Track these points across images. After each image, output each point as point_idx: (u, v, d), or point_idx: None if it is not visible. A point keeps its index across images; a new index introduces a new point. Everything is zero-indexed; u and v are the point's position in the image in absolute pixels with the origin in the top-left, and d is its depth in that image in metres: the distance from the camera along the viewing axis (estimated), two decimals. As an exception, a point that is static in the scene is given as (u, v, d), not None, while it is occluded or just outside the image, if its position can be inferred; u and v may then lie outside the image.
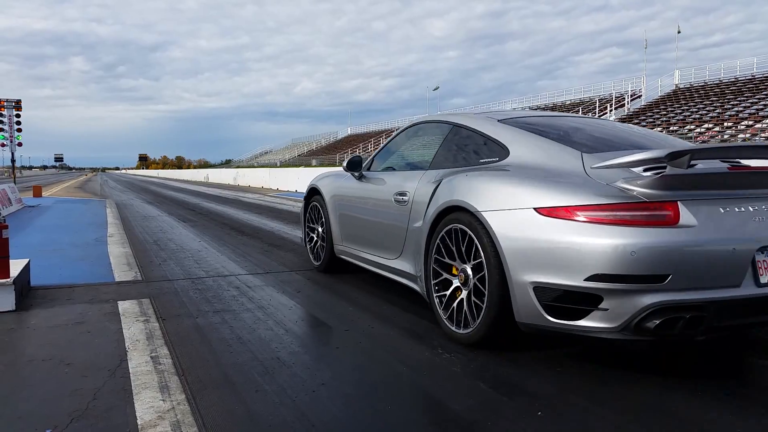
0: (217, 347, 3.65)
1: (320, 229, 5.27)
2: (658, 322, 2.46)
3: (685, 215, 2.51)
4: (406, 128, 4.47)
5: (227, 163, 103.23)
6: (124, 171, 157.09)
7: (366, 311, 4.46)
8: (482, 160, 3.38)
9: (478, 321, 3.06)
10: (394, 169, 4.31)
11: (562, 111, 43.92)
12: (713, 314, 2.50)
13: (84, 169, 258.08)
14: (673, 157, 2.49)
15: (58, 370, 3.21)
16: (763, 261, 2.58)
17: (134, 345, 3.67)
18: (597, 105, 41.37)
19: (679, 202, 2.56)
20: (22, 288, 4.81)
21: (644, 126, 33.41)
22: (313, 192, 5.43)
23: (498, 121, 3.54)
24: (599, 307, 2.51)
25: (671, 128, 31.38)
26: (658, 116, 34.92)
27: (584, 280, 2.50)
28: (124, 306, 4.63)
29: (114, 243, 8.19)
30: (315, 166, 51.43)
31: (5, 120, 20.91)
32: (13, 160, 22.21)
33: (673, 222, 2.48)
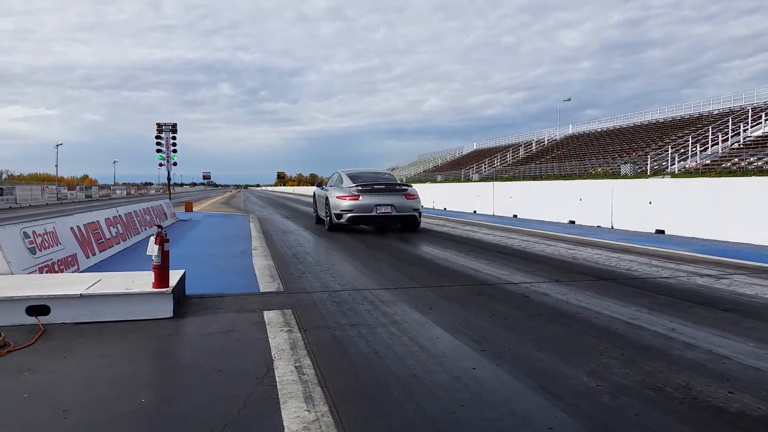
0: (355, 360, 3.69)
1: (314, 209, 14.29)
2: (352, 219, 11.24)
3: (360, 197, 11.23)
4: (333, 174, 13.23)
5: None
6: (263, 188, 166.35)
7: (505, 329, 4.34)
8: (340, 185, 12.08)
9: (328, 225, 11.90)
10: (331, 186, 12.49)
11: (710, 120, 40.43)
12: (368, 219, 11.31)
13: (228, 186, 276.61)
14: (360, 185, 11.63)
15: (211, 376, 3.35)
16: (378, 209, 11.38)
17: (279, 354, 3.79)
18: (750, 114, 37.85)
19: (360, 195, 11.32)
20: (179, 297, 5.18)
21: (807, 135, 30.25)
22: (313, 195, 14.37)
23: (347, 174, 12.25)
24: (343, 216, 11.50)
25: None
26: (825, 124, 31.25)
27: (341, 210, 11.35)
28: (269, 316, 4.80)
29: (258, 255, 8.34)
30: (440, 181, 51.45)
31: (163, 142, 22.95)
32: (168, 178, 24.23)
33: (358, 198, 11.23)
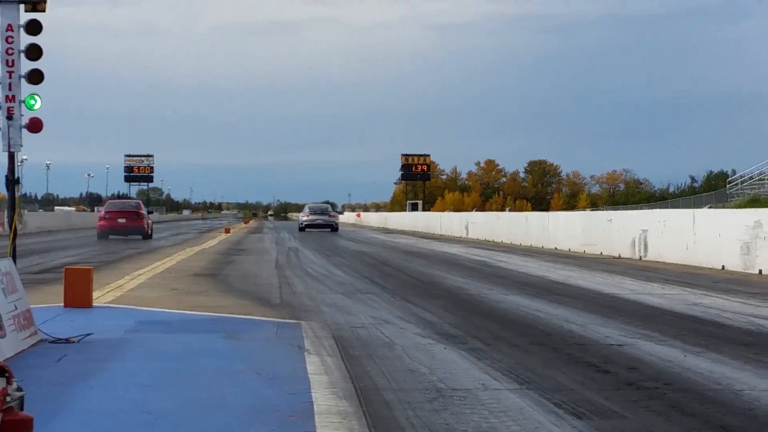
0: None
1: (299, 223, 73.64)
2: (306, 226, 68.91)
3: (309, 216, 71.04)
4: (307, 205, 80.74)
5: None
6: (360, 216, 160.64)
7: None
8: (303, 210, 79.12)
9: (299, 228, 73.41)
10: (302, 211, 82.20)
11: None
12: (312, 226, 68.58)
13: (232, 212, 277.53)
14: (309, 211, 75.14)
15: None
16: (315, 221, 69.65)
17: None
18: None
19: (309, 214, 72.48)
20: None
21: None
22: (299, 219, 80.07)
23: (306, 205, 78.04)
24: (303, 224, 68.72)
25: None
26: None
27: (300, 225, 71.36)
28: None
29: None
30: None
31: None
32: (12, 180, 19.31)
33: (309, 216, 70.50)
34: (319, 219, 60.67)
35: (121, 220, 41.53)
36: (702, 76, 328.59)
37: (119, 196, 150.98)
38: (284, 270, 25.32)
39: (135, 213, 42.53)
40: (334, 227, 60.09)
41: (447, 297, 17.51)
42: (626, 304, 15.81)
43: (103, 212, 44.22)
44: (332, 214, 64.83)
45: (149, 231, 43.08)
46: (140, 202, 46.52)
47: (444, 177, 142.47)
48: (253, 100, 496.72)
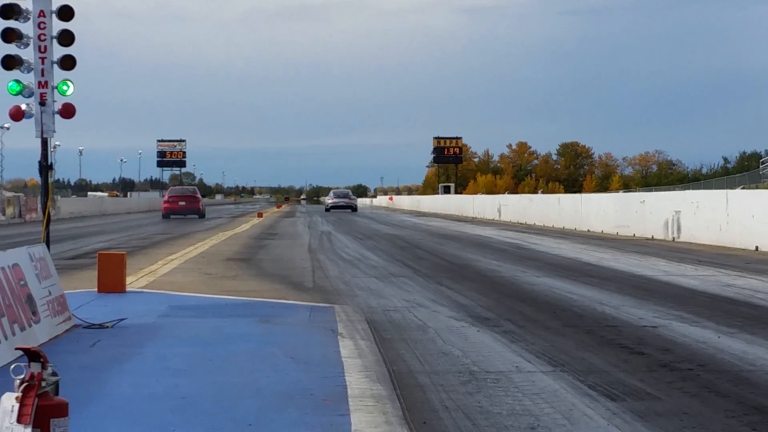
0: None
1: (326, 205, 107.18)
2: (332, 207, 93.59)
3: (334, 198, 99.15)
4: (332, 189, 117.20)
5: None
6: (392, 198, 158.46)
7: None
8: (328, 194, 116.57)
9: (325, 209, 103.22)
10: (327, 195, 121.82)
11: None
12: (337, 207, 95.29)
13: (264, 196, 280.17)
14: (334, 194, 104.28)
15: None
16: (339, 203, 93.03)
17: None
18: None
19: (334, 197, 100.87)
20: None
21: None
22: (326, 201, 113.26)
23: (331, 190, 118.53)
24: (329, 206, 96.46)
25: None
26: None
27: (326, 207, 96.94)
28: None
29: None
30: None
31: (30, 33, 17.57)
32: (45, 165, 19.04)
33: (333, 199, 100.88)
34: (342, 201, 79.58)
35: (182, 203, 51.35)
36: (735, 57, 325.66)
37: (152, 183, 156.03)
38: (317, 254, 25.17)
39: (192, 197, 53.56)
40: (353, 208, 79.23)
41: (480, 280, 17.40)
42: (659, 285, 15.71)
43: (166, 197, 55.16)
44: (352, 197, 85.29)
45: (203, 212, 54.27)
46: (196, 187, 59.54)
47: (476, 160, 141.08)
48: (285, 84, 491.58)
